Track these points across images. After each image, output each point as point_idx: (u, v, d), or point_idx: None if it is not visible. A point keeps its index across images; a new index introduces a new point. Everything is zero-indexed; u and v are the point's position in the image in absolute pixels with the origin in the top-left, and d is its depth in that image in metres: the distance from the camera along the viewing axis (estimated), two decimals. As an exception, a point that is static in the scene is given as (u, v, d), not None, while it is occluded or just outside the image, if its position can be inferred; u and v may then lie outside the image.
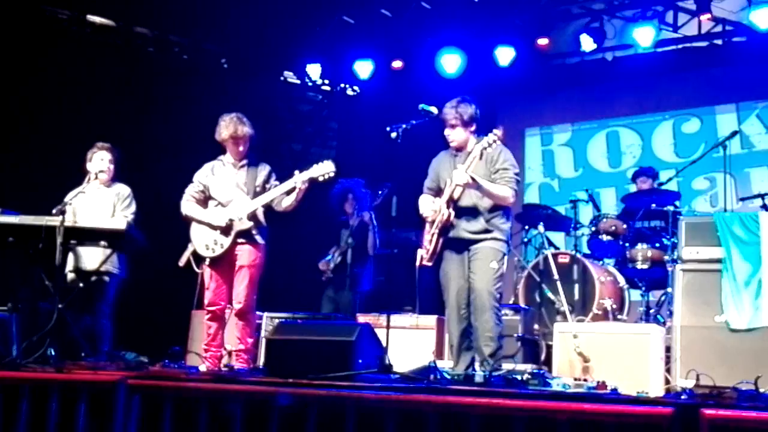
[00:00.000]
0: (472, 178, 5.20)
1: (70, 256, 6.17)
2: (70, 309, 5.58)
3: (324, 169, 5.81)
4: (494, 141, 5.23)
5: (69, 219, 5.63)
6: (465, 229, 5.35)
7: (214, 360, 5.84)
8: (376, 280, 7.97)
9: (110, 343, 6.21)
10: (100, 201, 6.33)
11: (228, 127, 5.91)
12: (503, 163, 5.37)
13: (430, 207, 5.46)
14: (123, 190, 6.42)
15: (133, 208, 6.37)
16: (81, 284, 6.10)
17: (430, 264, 5.47)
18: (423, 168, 5.77)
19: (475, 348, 5.29)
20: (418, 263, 5.50)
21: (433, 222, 5.41)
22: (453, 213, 5.33)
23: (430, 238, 5.42)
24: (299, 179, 5.76)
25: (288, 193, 5.84)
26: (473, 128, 5.46)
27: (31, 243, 5.47)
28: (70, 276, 6.20)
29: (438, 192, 5.54)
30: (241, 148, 5.96)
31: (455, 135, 5.46)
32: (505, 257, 5.37)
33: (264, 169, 6.01)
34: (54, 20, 8.89)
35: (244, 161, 6.00)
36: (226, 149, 6.02)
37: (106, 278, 6.22)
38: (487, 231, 5.32)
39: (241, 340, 5.85)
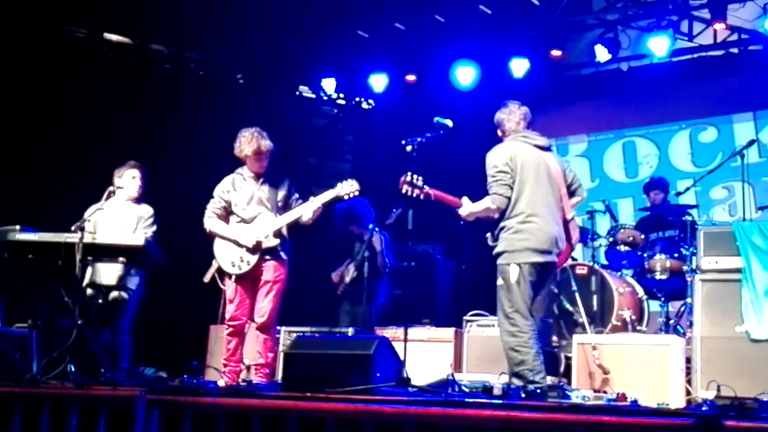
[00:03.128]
0: (463, 213, 5.30)
1: (90, 271, 6.21)
2: (89, 325, 5.62)
3: (348, 188, 5.89)
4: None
5: (89, 235, 5.68)
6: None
7: (233, 375, 5.85)
8: (392, 294, 7.97)
9: (130, 359, 6.24)
10: (124, 218, 6.38)
11: (251, 143, 5.91)
12: (487, 170, 5.30)
13: None
14: (147, 210, 6.47)
15: (154, 228, 6.42)
16: (101, 300, 6.15)
17: None
18: (438, 181, 5.77)
19: None
20: None
21: None
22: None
23: None
24: (316, 203, 5.84)
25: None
26: (500, 134, 5.48)
27: (51, 260, 5.51)
28: (90, 292, 6.24)
29: None
30: (264, 163, 5.99)
31: None
32: (509, 267, 5.10)
33: (285, 183, 6.05)
34: (71, 38, 8.99)
35: (266, 174, 6.03)
36: (246, 163, 6.05)
37: (126, 294, 6.25)
38: (492, 248, 5.28)
39: (261, 355, 5.86)
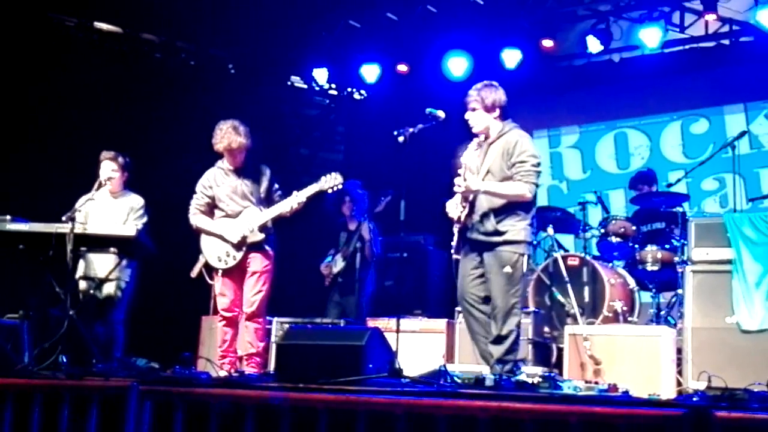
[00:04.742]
0: (476, 186, 5.14)
1: (83, 264, 6.20)
2: (82, 316, 5.61)
3: (332, 182, 5.93)
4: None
5: (80, 225, 5.66)
6: (477, 230, 5.22)
7: (233, 365, 5.89)
8: (383, 284, 7.98)
9: (123, 350, 6.24)
10: (113, 210, 6.37)
11: (222, 140, 5.92)
12: (520, 155, 5.16)
13: (453, 207, 5.34)
14: (137, 201, 6.45)
15: (145, 219, 6.41)
16: (94, 292, 6.15)
17: (459, 257, 5.38)
18: (430, 171, 5.77)
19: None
20: (454, 256, 5.42)
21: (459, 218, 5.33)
22: (466, 211, 5.23)
23: (455, 233, 5.37)
24: (300, 197, 5.87)
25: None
26: (496, 114, 5.30)
27: (42, 250, 5.49)
28: (83, 284, 6.22)
29: None
30: (237, 158, 6.00)
31: (474, 119, 5.31)
32: (523, 258, 5.16)
33: (266, 175, 6.05)
34: (61, 28, 8.92)
35: (245, 167, 6.03)
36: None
37: (119, 286, 6.25)
38: (498, 233, 5.15)
39: (252, 345, 5.90)
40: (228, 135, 5.90)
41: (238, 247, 5.89)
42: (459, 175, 5.29)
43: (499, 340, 5.14)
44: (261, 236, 5.90)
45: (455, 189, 5.24)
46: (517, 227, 5.17)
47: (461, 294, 5.35)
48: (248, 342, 5.92)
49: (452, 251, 5.40)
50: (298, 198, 5.89)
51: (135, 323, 6.55)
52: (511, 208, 5.19)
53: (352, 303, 7.61)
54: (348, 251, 7.73)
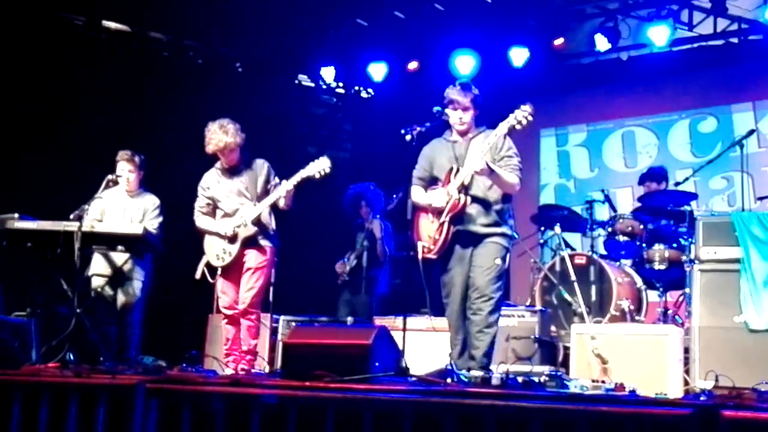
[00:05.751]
0: (488, 165, 5.05)
1: (99, 261, 6.22)
2: (94, 314, 5.65)
3: (319, 166, 5.86)
4: (525, 117, 5.08)
5: (88, 224, 5.68)
6: (476, 221, 5.19)
7: (238, 363, 5.88)
8: (392, 283, 7.97)
9: (137, 349, 6.26)
10: (130, 209, 6.40)
11: (210, 142, 5.90)
12: (507, 150, 5.25)
13: (442, 196, 5.23)
14: (152, 202, 6.48)
15: (161, 219, 6.43)
16: (107, 289, 6.17)
17: (436, 257, 5.29)
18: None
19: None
20: (420, 255, 5.30)
21: (440, 212, 5.22)
22: (469, 199, 5.20)
23: (438, 228, 5.22)
24: (288, 185, 5.84)
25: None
26: (477, 113, 5.37)
27: (50, 248, 5.52)
28: (97, 281, 6.23)
29: (431, 182, 5.40)
30: (229, 157, 5.97)
31: (467, 118, 5.33)
32: (509, 254, 5.28)
33: (263, 169, 6.01)
34: (70, 26, 8.96)
35: (240, 165, 6.02)
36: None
37: (135, 285, 6.27)
38: (497, 224, 5.20)
39: (244, 341, 5.90)
40: (215, 136, 5.86)
41: (231, 241, 5.87)
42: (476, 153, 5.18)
43: (484, 331, 5.13)
44: (254, 230, 5.85)
45: (476, 169, 5.05)
46: (509, 222, 5.31)
47: (459, 292, 5.31)
48: (240, 339, 5.92)
49: (427, 250, 5.28)
50: (286, 186, 5.85)
51: (143, 321, 6.57)
52: (504, 200, 5.28)
53: (361, 301, 7.60)
54: (358, 250, 7.74)
